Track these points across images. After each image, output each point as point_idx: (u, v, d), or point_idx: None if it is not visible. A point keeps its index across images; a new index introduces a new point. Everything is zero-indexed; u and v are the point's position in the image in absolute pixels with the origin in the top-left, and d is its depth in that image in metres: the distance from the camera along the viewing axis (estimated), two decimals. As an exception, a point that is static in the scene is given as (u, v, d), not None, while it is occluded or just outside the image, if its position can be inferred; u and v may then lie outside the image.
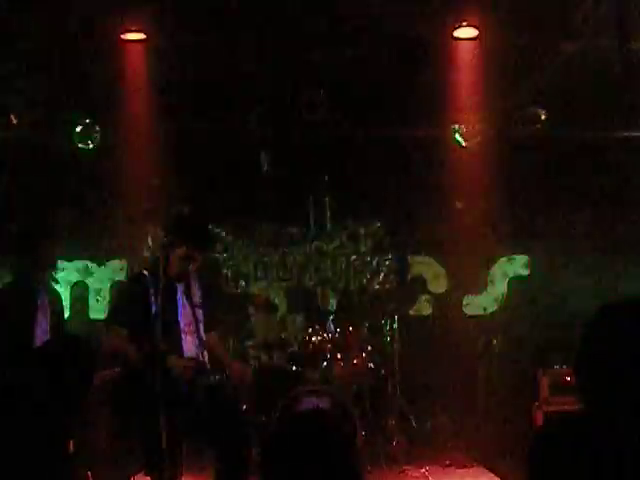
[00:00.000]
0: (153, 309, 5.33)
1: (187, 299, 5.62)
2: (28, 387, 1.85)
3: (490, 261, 10.96)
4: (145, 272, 5.37)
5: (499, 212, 10.31)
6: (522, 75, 8.17)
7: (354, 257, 11.12)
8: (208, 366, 5.62)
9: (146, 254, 10.55)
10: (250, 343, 9.68)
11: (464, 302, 10.94)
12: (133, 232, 10.60)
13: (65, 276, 10.72)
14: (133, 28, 7.44)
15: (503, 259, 10.97)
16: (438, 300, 10.99)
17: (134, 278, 5.26)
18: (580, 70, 7.68)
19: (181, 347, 5.52)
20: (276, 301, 10.45)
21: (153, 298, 5.33)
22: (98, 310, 10.80)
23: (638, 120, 8.47)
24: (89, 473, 7.03)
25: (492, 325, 10.55)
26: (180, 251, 5.46)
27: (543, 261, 10.63)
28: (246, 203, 10.01)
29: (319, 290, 10.04)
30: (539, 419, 7.09)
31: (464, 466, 8.59)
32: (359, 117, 9.09)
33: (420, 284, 11.02)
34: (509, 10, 7.00)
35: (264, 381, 6.14)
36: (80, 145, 8.86)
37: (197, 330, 5.64)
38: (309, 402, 8.31)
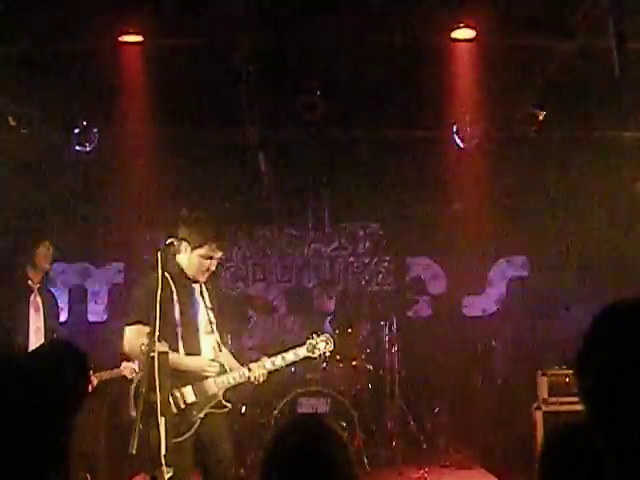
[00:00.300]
0: (176, 310, 5.37)
1: (202, 300, 5.64)
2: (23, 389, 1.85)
3: (489, 262, 10.96)
4: (166, 274, 5.37)
5: (497, 213, 10.31)
6: (520, 76, 8.16)
7: (352, 258, 11.12)
8: (226, 367, 5.64)
9: (145, 256, 10.56)
10: (249, 344, 9.70)
11: (463, 303, 10.95)
12: (132, 235, 10.61)
13: (64, 278, 10.73)
14: (130, 30, 7.43)
15: (502, 260, 10.98)
16: (437, 301, 11.00)
17: (155, 279, 5.27)
18: (578, 70, 7.68)
19: (200, 348, 5.55)
20: (275, 303, 10.45)
21: (176, 299, 5.36)
22: (96, 313, 10.81)
23: (636, 120, 8.47)
24: (88, 476, 7.04)
25: (491, 326, 10.56)
26: (201, 250, 5.46)
27: (542, 262, 10.63)
28: (245, 205, 10.00)
29: (318, 291, 10.04)
30: (538, 420, 7.08)
31: (463, 467, 8.59)
32: (357, 118, 9.09)
33: (419, 285, 11.02)
34: (506, 11, 6.99)
35: (263, 383, 6.14)
36: (78, 147, 8.85)
37: (212, 331, 5.66)
38: (308, 404, 8.31)
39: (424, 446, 9.09)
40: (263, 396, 8.29)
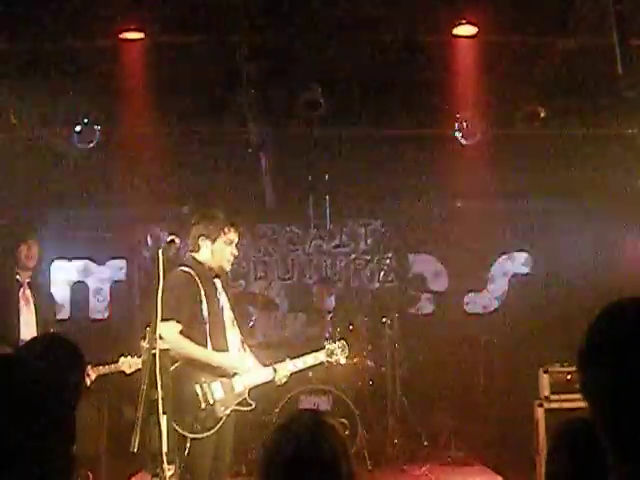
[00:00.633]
0: (204, 308, 5.42)
1: (224, 296, 5.69)
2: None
3: (490, 259, 10.95)
4: (190, 270, 5.43)
5: (499, 210, 10.30)
6: (522, 73, 8.14)
7: (354, 256, 11.12)
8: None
9: (145, 254, 10.57)
10: (251, 342, 9.69)
11: (465, 300, 10.94)
12: (133, 232, 10.62)
13: (65, 276, 10.74)
14: (131, 27, 7.41)
15: (503, 257, 10.97)
16: (439, 298, 11.00)
17: (183, 276, 5.35)
18: (580, 67, 7.66)
19: (227, 345, 5.59)
20: (276, 300, 10.45)
21: (203, 296, 5.41)
22: (98, 310, 10.81)
23: (637, 117, 8.44)
24: (90, 474, 7.04)
25: (493, 323, 10.55)
26: (223, 238, 5.55)
27: (543, 258, 10.62)
28: (246, 202, 9.99)
29: (319, 289, 10.03)
30: (540, 417, 7.08)
31: (465, 464, 8.60)
32: (358, 115, 9.07)
33: (421, 282, 11.02)
34: (508, 8, 6.98)
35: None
36: (79, 145, 8.85)
37: (235, 326, 5.72)
38: (309, 401, 8.31)
39: (426, 443, 9.09)
40: (265, 394, 8.29)
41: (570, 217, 10.12)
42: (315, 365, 6.15)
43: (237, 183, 9.93)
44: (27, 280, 6.87)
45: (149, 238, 10.61)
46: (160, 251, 5.03)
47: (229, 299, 5.73)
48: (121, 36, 7.54)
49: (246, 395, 5.52)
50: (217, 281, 5.64)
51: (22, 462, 1.66)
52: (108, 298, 10.85)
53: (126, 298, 10.67)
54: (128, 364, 6.35)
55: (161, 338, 5.12)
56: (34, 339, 3.19)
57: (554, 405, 7.03)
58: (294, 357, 5.93)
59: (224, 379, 5.43)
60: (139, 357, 5.82)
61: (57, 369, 2.02)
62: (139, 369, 5.55)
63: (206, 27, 7.26)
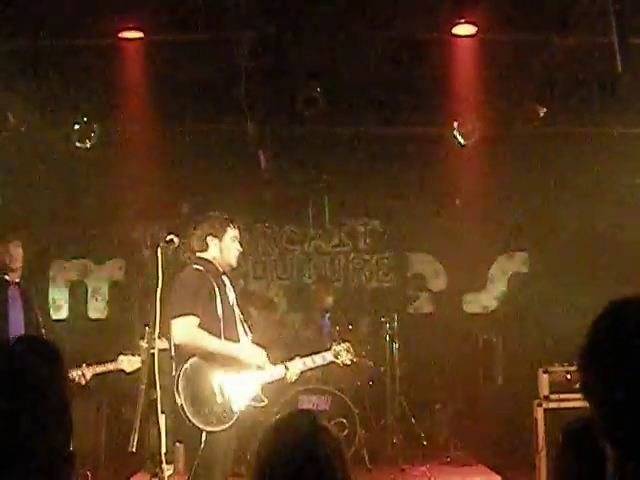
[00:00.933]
0: (218, 305, 5.45)
1: (233, 292, 5.75)
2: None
3: (490, 258, 10.94)
4: (202, 268, 5.48)
5: (498, 209, 10.29)
6: (521, 72, 8.14)
7: (353, 255, 11.10)
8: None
9: (144, 253, 10.55)
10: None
11: (464, 300, 10.93)
12: (132, 231, 10.60)
13: (64, 275, 10.73)
14: (130, 26, 7.41)
15: (503, 256, 10.96)
16: (438, 298, 10.98)
17: (197, 273, 5.43)
18: (579, 66, 7.66)
19: (240, 340, 5.64)
20: (275, 300, 10.43)
21: (217, 294, 5.45)
22: (97, 309, 10.80)
23: (636, 115, 8.44)
24: (89, 473, 7.03)
25: (492, 323, 10.54)
26: (229, 234, 5.63)
27: (543, 258, 10.61)
28: (244, 201, 9.97)
29: (317, 288, 10.03)
30: (539, 417, 7.07)
31: (465, 464, 8.59)
32: (357, 114, 9.06)
33: (420, 282, 11.01)
34: (507, 7, 6.98)
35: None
36: (78, 144, 8.84)
37: (242, 323, 5.77)
38: (309, 401, 8.30)
39: (425, 443, 9.07)
40: (263, 393, 8.28)
41: (570, 216, 10.10)
42: (323, 365, 6.20)
43: (236, 182, 9.91)
44: (16, 280, 6.84)
45: (148, 237, 10.60)
46: (159, 250, 5.03)
47: (237, 296, 5.78)
48: (120, 35, 7.54)
49: (259, 391, 5.56)
50: (225, 278, 5.68)
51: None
52: (107, 298, 10.83)
53: (125, 298, 10.65)
54: (128, 362, 6.32)
55: (177, 333, 5.18)
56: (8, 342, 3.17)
57: (553, 405, 7.02)
58: (303, 356, 5.97)
59: (239, 374, 5.46)
60: (139, 356, 5.81)
61: (31, 371, 1.99)
62: (140, 368, 5.55)
63: (204, 26, 7.25)
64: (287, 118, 8.93)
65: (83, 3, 6.82)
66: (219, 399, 5.26)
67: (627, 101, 7.68)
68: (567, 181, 9.90)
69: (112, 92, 8.29)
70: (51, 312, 10.49)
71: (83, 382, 6.07)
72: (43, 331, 6.72)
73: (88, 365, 6.27)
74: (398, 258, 11.07)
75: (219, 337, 5.39)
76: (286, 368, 5.78)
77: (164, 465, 4.53)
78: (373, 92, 8.57)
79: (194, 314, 5.24)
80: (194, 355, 5.21)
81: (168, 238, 5.16)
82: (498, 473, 8.06)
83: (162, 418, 4.60)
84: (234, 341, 5.54)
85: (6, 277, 6.78)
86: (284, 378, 5.79)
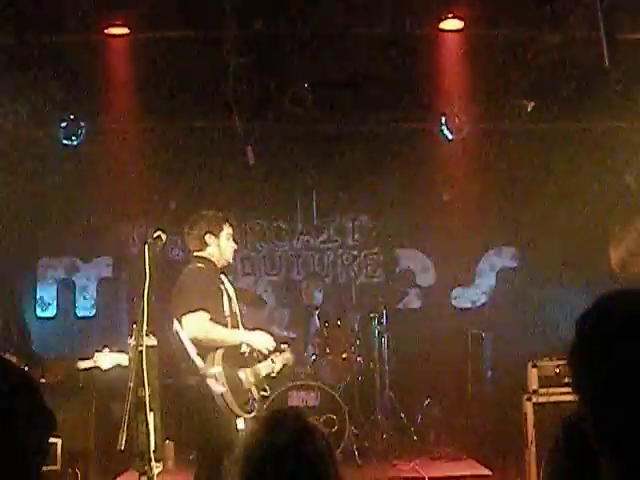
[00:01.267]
0: (225, 302, 5.62)
1: (232, 289, 5.86)
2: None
3: (478, 253, 10.95)
4: (203, 266, 5.61)
5: (486, 204, 10.30)
6: (508, 67, 8.14)
7: (341, 251, 11.09)
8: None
9: (132, 250, 10.52)
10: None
11: (452, 295, 10.94)
12: (120, 229, 10.56)
13: (52, 273, 10.68)
14: (117, 22, 7.38)
15: (491, 251, 10.97)
16: (426, 293, 10.98)
17: (203, 270, 5.60)
18: (566, 61, 7.66)
19: None
20: (264, 296, 10.41)
21: (224, 291, 5.64)
22: (85, 307, 10.75)
23: (625, 111, 8.46)
24: (78, 472, 7.00)
25: (481, 318, 10.55)
26: (226, 231, 5.77)
27: (531, 253, 10.63)
28: (232, 198, 9.95)
29: (306, 284, 10.02)
30: (528, 411, 7.08)
31: (454, 459, 8.60)
32: (345, 110, 9.05)
33: (408, 277, 11.01)
34: (495, 2, 6.98)
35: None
36: (65, 141, 8.80)
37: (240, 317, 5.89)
38: (298, 397, 8.30)
39: (415, 438, 9.08)
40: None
41: (558, 211, 10.11)
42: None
43: (224, 178, 9.88)
44: None
45: (135, 234, 10.56)
46: (147, 247, 5.02)
47: (236, 292, 5.89)
48: (106, 31, 7.50)
49: (264, 383, 5.76)
50: (223, 276, 5.78)
51: None
52: (95, 296, 10.78)
53: (113, 295, 10.61)
54: (104, 360, 6.21)
55: (191, 328, 5.25)
56: None
57: (542, 399, 7.03)
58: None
59: (251, 366, 5.64)
60: (118, 352, 5.80)
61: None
62: (119, 365, 5.57)
63: (192, 22, 7.23)
64: (275, 115, 8.91)
65: (69, -1, 6.80)
66: (246, 387, 5.49)
67: (615, 96, 7.70)
68: (555, 176, 9.91)
69: (98, 89, 8.25)
70: (38, 310, 10.46)
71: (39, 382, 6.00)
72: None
73: (60, 363, 6.22)
74: (387, 254, 11.07)
75: None
76: (272, 362, 5.86)
77: (153, 463, 4.51)
78: (360, 88, 8.56)
79: (204, 309, 5.31)
80: (220, 347, 5.35)
81: (155, 235, 5.16)
82: (488, 467, 8.07)
83: (151, 416, 4.58)
84: None
85: None
86: (272, 371, 5.89)
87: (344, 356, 8.93)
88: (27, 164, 9.14)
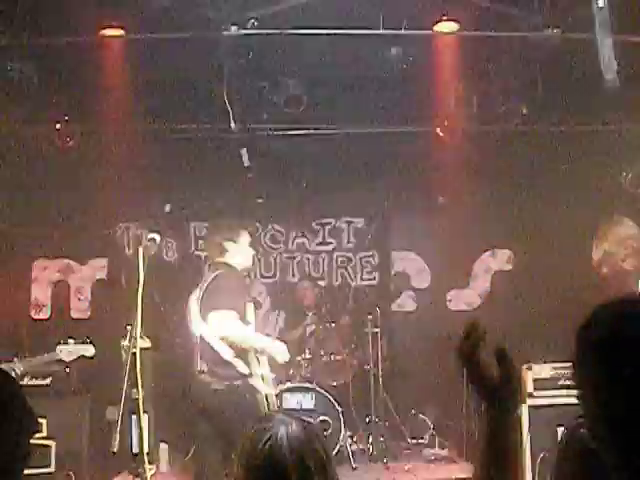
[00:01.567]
0: (249, 304, 5.97)
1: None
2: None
3: (473, 256, 10.96)
4: (226, 272, 5.86)
5: (481, 207, 10.29)
6: (503, 69, 8.15)
7: (337, 254, 11.09)
8: None
9: (127, 252, 10.51)
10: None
11: (448, 297, 10.94)
12: (115, 231, 10.55)
13: (46, 275, 10.66)
14: (112, 24, 7.36)
15: (486, 254, 10.98)
16: (422, 295, 10.99)
17: (233, 274, 5.88)
18: (562, 63, 7.66)
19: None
20: (259, 299, 10.41)
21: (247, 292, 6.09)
22: (79, 309, 10.73)
23: (621, 113, 8.46)
24: (71, 474, 6.99)
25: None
26: (245, 237, 6.12)
27: (526, 256, 10.63)
28: (228, 200, 9.94)
29: (302, 287, 10.02)
30: (523, 414, 7.08)
31: (448, 462, 8.59)
32: (340, 112, 9.04)
33: (403, 280, 11.01)
34: (489, 3, 6.97)
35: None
36: (59, 143, 8.78)
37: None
38: (293, 399, 8.29)
39: (409, 441, 9.08)
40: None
41: (553, 214, 10.11)
42: None
43: (218, 181, 9.87)
44: None
45: (130, 236, 10.55)
46: (141, 249, 5.01)
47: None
48: (102, 33, 7.48)
49: None
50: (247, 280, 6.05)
51: None
52: (89, 297, 10.76)
53: (108, 297, 10.59)
54: (66, 353, 6.10)
55: (220, 326, 5.47)
56: None
57: (538, 402, 7.04)
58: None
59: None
60: (82, 344, 5.82)
61: None
62: (82, 356, 5.60)
63: (187, 24, 7.21)
64: (270, 116, 8.90)
65: (64, 1, 6.78)
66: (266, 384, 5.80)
67: (610, 98, 7.69)
68: (550, 178, 9.91)
69: (93, 90, 8.23)
70: (33, 312, 10.44)
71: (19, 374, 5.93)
72: None
73: (21, 359, 6.15)
74: (382, 256, 11.07)
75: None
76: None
77: (146, 465, 4.50)
78: (356, 90, 8.55)
79: (232, 309, 5.51)
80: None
81: (150, 237, 5.16)
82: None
83: (144, 418, 4.57)
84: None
85: None
86: None
87: (339, 358, 8.93)
88: (21, 166, 9.11)
